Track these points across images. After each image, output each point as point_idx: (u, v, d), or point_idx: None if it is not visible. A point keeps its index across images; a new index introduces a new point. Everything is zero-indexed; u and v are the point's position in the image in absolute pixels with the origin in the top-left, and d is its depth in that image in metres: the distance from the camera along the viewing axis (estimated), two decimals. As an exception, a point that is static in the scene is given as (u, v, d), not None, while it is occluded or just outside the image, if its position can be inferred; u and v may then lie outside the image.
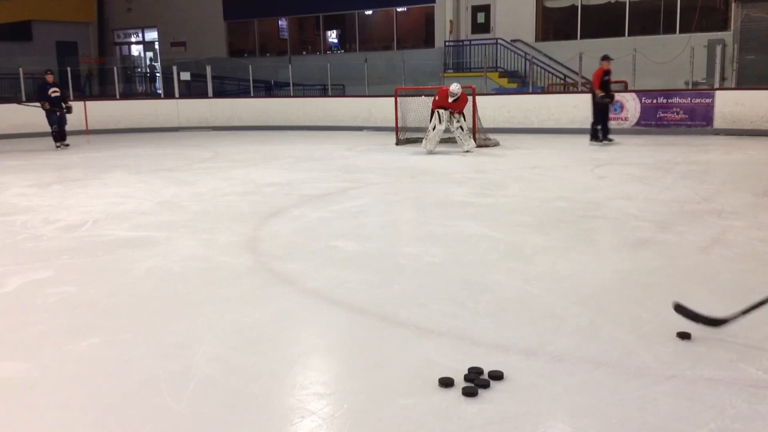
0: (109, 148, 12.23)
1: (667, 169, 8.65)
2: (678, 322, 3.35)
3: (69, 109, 12.90)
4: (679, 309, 3.30)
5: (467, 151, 10.85)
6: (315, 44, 23.08)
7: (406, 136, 12.61)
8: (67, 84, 17.77)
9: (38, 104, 12.72)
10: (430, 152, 10.85)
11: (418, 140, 12.09)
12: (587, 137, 11.76)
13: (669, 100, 13.08)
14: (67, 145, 12.86)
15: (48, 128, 12.91)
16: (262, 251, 5.09)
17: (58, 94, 12.85)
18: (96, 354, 3.22)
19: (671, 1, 16.68)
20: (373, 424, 2.49)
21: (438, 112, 10.86)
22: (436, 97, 11.02)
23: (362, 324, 3.56)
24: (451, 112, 10.85)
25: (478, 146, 11.41)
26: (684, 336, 3.16)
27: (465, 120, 11.13)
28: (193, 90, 20.47)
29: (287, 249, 5.16)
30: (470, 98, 11.91)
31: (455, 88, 10.77)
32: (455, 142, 11.26)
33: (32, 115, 15.85)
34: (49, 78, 12.89)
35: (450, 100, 10.78)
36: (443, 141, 11.28)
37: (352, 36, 22.06)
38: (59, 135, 12.82)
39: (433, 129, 10.88)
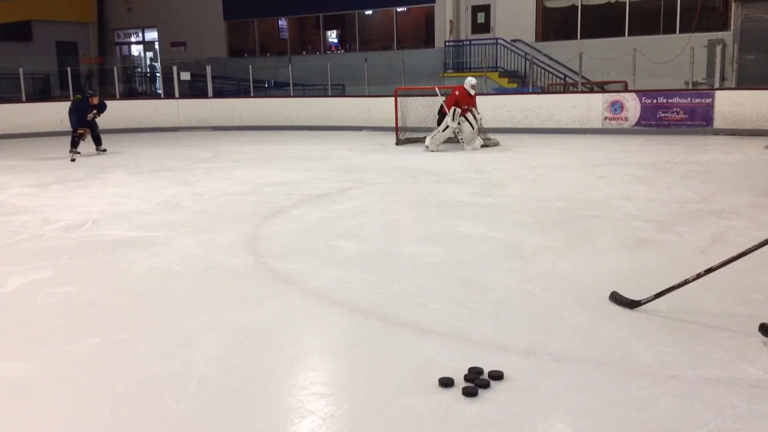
0: (108, 148, 12.21)
1: (667, 169, 8.65)
2: (679, 322, 3.36)
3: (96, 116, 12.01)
4: (613, 297, 3.72)
5: (474, 149, 10.95)
6: (315, 44, 23.08)
7: (406, 136, 12.61)
8: (68, 84, 17.79)
9: (80, 133, 11.58)
10: (432, 151, 10.89)
11: (418, 140, 12.11)
12: (587, 137, 11.76)
13: (669, 100, 13.08)
14: (104, 150, 12.07)
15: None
16: (262, 251, 5.09)
17: (96, 117, 11.93)
18: (96, 354, 3.22)
19: (671, 1, 16.67)
20: (373, 424, 2.49)
21: (454, 110, 10.96)
22: (456, 92, 11.16)
23: (362, 324, 3.56)
24: (467, 113, 10.99)
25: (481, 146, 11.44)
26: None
27: (476, 117, 11.24)
28: (193, 90, 20.47)
29: (287, 249, 5.16)
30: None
31: (473, 80, 11.26)
32: (456, 141, 11.28)
33: (33, 115, 15.93)
34: (95, 100, 11.88)
35: (472, 93, 11.09)
36: (448, 141, 11.33)
37: (352, 36, 22.05)
38: (96, 140, 12.03)
39: (444, 129, 10.97)
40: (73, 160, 11.01)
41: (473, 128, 11.15)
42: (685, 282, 3.53)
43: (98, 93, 12.81)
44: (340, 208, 6.72)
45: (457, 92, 11.17)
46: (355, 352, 3.19)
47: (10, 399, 2.78)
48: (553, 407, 2.60)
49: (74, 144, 11.51)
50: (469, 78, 11.36)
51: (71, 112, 11.79)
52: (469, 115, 11.10)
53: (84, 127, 11.66)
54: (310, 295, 4.04)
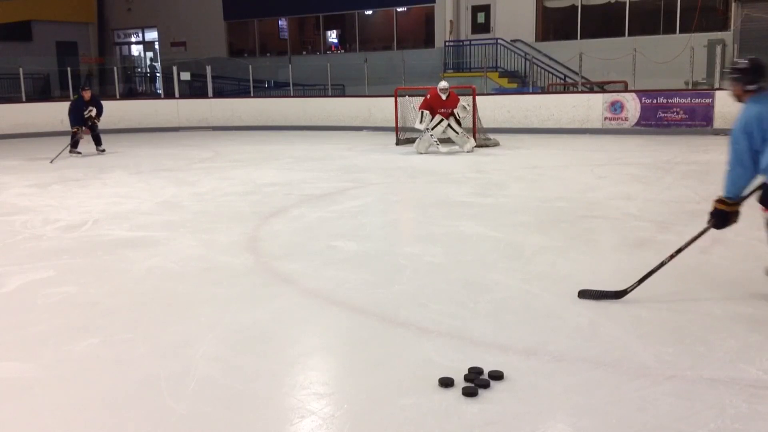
0: (108, 148, 12.20)
1: (667, 169, 8.65)
2: (679, 322, 3.36)
3: (95, 120, 11.93)
4: (583, 294, 3.81)
5: (468, 151, 10.90)
6: (315, 44, 23.08)
7: (406, 136, 12.61)
8: (68, 84, 17.77)
9: (73, 132, 11.59)
10: (420, 153, 10.92)
11: (418, 140, 12.12)
12: (587, 137, 11.76)
13: (669, 100, 13.07)
14: (103, 150, 11.99)
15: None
16: (262, 251, 5.09)
17: (93, 113, 11.80)
18: (96, 354, 3.22)
19: (671, 1, 16.67)
20: (373, 424, 2.49)
21: (422, 113, 10.98)
22: (428, 96, 11.10)
23: (362, 324, 3.56)
24: (448, 115, 10.93)
25: (478, 146, 11.42)
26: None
27: (459, 121, 11.14)
28: (193, 90, 20.46)
29: (287, 249, 5.16)
30: (470, 98, 11.92)
31: (444, 84, 11.03)
32: (451, 142, 11.30)
33: (33, 115, 15.92)
34: (87, 94, 11.87)
35: (443, 97, 10.89)
36: (443, 141, 11.31)
37: (352, 36, 22.05)
38: (96, 139, 11.97)
39: (431, 130, 10.96)
40: (71, 152, 11.24)
41: (458, 133, 11.06)
42: (662, 265, 3.84)
43: (90, 86, 12.68)
44: (340, 208, 6.72)
45: (428, 95, 11.12)
46: (355, 352, 3.19)
47: (10, 399, 2.78)
48: (553, 407, 2.60)
49: (74, 144, 11.54)
50: (441, 82, 11.21)
51: (69, 111, 11.82)
52: (451, 120, 10.99)
53: (80, 125, 11.66)
54: (310, 295, 4.05)
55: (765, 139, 3.58)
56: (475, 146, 11.24)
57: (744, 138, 3.62)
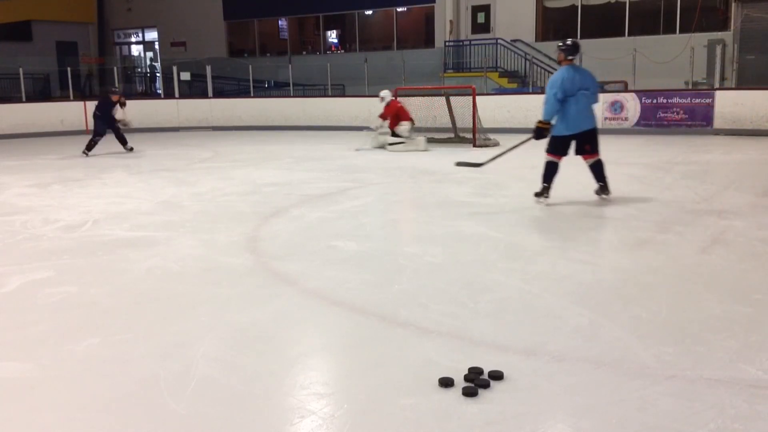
0: (109, 148, 12.20)
1: (667, 169, 8.65)
2: (679, 322, 3.36)
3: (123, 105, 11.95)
4: (460, 164, 6.77)
5: (424, 150, 11.11)
6: (315, 44, 23.08)
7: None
8: (68, 84, 17.78)
9: (100, 134, 11.70)
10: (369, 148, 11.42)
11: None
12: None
13: (669, 100, 13.07)
14: (131, 148, 12.08)
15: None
16: (262, 251, 5.09)
17: (123, 118, 11.92)
18: (96, 354, 3.22)
19: (671, 1, 16.67)
20: (373, 424, 2.49)
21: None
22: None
23: (362, 324, 3.56)
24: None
25: (478, 146, 11.42)
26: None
27: (399, 126, 11.38)
28: (193, 90, 20.46)
29: (287, 249, 5.16)
30: (470, 98, 11.92)
31: (382, 92, 11.61)
32: (455, 142, 11.31)
33: (33, 115, 15.91)
34: (116, 98, 11.80)
35: (380, 105, 11.51)
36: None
37: (352, 36, 22.05)
38: (122, 139, 12.09)
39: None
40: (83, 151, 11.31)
41: (402, 136, 11.37)
42: (501, 154, 6.51)
43: (120, 91, 12.65)
44: (340, 208, 6.72)
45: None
46: (355, 352, 3.19)
47: (10, 399, 2.78)
48: (553, 407, 2.60)
49: (89, 146, 11.57)
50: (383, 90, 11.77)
51: (96, 117, 11.77)
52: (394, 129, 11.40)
53: (110, 128, 11.70)
54: (310, 295, 4.04)
55: (566, 96, 6.10)
56: (476, 146, 11.29)
57: (557, 87, 6.11)
